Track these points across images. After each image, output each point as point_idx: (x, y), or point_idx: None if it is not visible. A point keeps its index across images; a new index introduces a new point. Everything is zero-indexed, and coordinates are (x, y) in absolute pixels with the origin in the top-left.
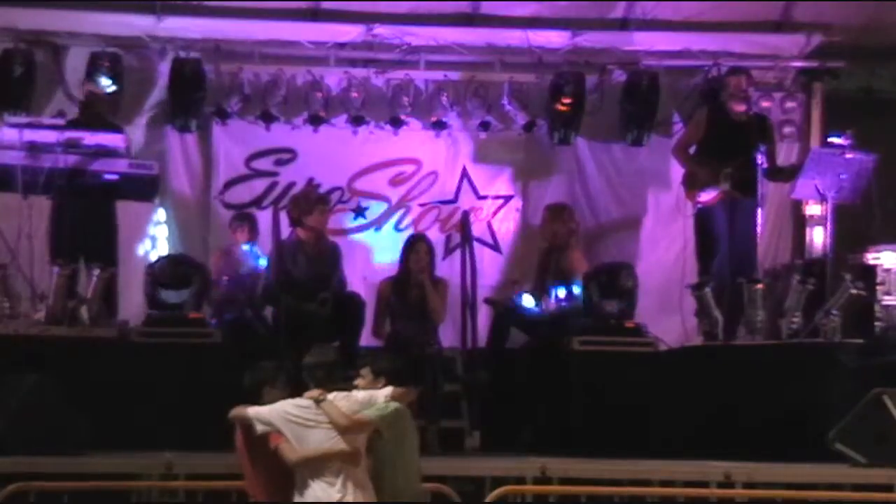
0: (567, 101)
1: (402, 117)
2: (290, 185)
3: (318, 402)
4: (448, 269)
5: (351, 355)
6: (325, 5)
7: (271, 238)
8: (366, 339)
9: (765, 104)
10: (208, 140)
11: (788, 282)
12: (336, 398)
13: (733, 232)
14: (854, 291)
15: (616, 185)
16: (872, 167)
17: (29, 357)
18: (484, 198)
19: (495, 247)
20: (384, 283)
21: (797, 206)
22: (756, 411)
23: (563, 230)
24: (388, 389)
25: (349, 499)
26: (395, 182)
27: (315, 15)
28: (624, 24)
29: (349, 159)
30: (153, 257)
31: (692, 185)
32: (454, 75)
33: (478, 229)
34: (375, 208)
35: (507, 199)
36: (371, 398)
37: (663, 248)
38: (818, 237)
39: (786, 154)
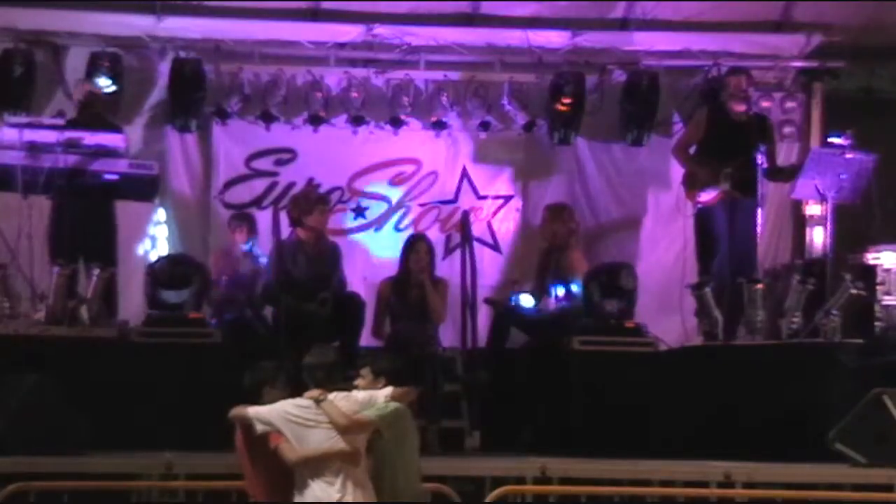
0: (567, 101)
1: (402, 117)
2: (290, 185)
3: (318, 401)
4: (448, 269)
5: (351, 355)
6: (325, 5)
7: (271, 238)
8: (366, 339)
9: (765, 104)
10: (208, 140)
11: (788, 282)
12: (336, 398)
13: (733, 232)
14: (854, 291)
15: (616, 185)
16: (872, 167)
17: (29, 357)
18: (484, 198)
19: (495, 247)
20: (384, 283)
21: (797, 206)
22: (756, 411)
23: (563, 230)
24: (388, 389)
25: (349, 498)
26: (395, 182)
27: (315, 15)
28: (624, 24)
29: (349, 159)
30: (153, 257)
31: (692, 185)
32: (454, 75)
33: (478, 229)
34: (375, 208)
35: (507, 199)
36: (371, 398)
37: (663, 248)
38: (818, 237)
39: (786, 154)
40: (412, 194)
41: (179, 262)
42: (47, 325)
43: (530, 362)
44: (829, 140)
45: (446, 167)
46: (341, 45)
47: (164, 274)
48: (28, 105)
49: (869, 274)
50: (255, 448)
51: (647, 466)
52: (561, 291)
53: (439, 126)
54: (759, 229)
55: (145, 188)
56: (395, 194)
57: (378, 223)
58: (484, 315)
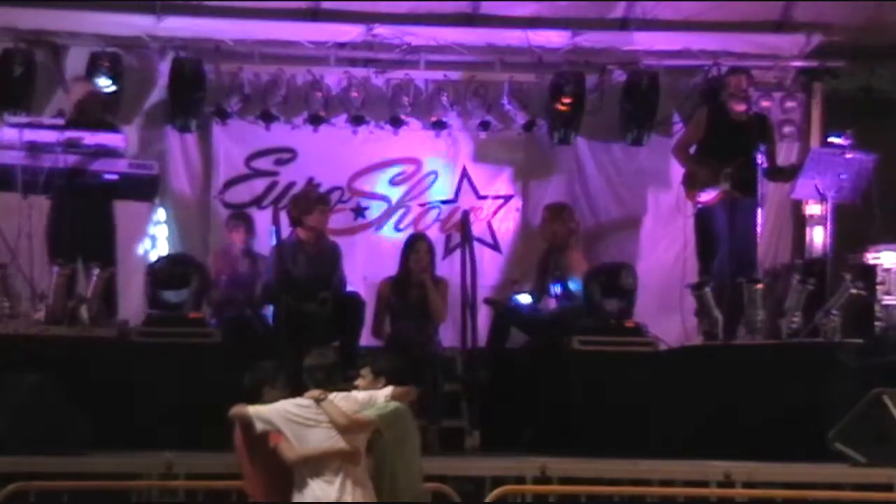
0: (567, 100)
1: (402, 117)
2: (290, 185)
3: (318, 401)
4: (448, 268)
5: (351, 355)
6: (325, 5)
7: (271, 238)
8: (366, 338)
9: (765, 104)
10: (208, 140)
11: (788, 282)
12: (336, 398)
13: (733, 232)
14: (854, 291)
15: (616, 185)
16: (872, 167)
17: (29, 357)
18: (484, 197)
19: (495, 246)
20: (384, 282)
21: (797, 205)
22: (756, 411)
23: (563, 230)
24: (389, 389)
25: (348, 498)
26: (395, 182)
27: (315, 15)
28: (624, 24)
29: (349, 159)
30: (153, 257)
31: (692, 184)
32: (454, 75)
33: (478, 229)
34: (375, 208)
35: (507, 198)
36: (371, 398)
37: (663, 248)
38: (818, 237)
39: (786, 154)
40: (412, 194)
41: (179, 262)
42: (47, 325)
43: (530, 362)
44: (829, 140)
45: (446, 167)
46: (341, 45)
47: (163, 274)
48: (28, 105)
49: (869, 274)
50: (254, 447)
51: (647, 466)
52: (560, 291)
53: (439, 126)
54: (759, 229)
55: (145, 188)
56: (395, 194)
57: (378, 223)
58: (484, 315)
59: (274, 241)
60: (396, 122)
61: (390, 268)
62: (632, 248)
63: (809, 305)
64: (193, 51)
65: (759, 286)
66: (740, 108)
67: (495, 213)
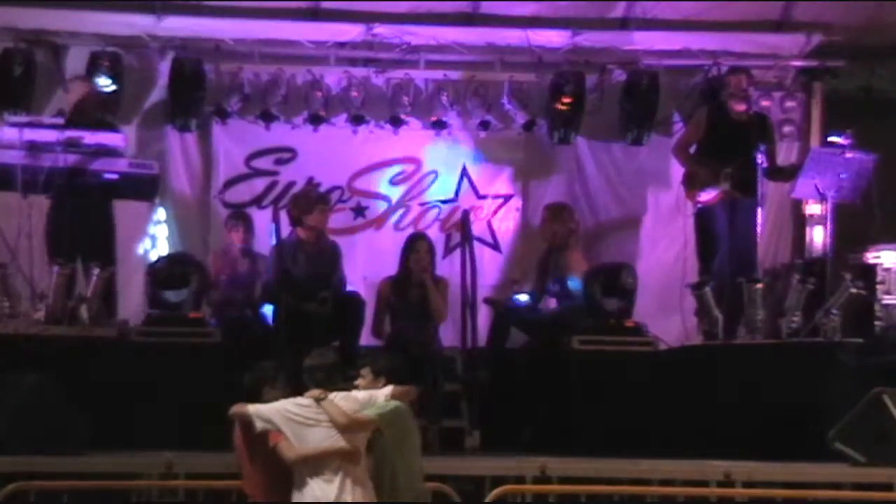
0: (567, 100)
1: (402, 116)
2: (290, 185)
3: (318, 400)
4: (448, 268)
5: (351, 355)
6: (325, 5)
7: (271, 237)
8: (366, 338)
9: (764, 103)
10: (208, 139)
11: (788, 281)
12: (336, 398)
13: (733, 231)
14: (854, 291)
15: (616, 185)
16: (872, 167)
17: (29, 357)
18: (484, 197)
19: (495, 246)
20: (384, 282)
21: (797, 205)
22: (756, 411)
23: (563, 230)
24: (389, 388)
25: (347, 497)
26: (395, 181)
27: (315, 14)
28: (624, 24)
29: (349, 158)
30: (153, 257)
31: (692, 184)
32: (454, 75)
33: (478, 229)
34: (375, 207)
35: (507, 198)
36: (371, 398)
37: (663, 248)
38: (818, 237)
39: (786, 153)
40: (412, 194)
41: (179, 262)
42: (47, 325)
43: (530, 362)
44: (829, 140)
45: (446, 166)
46: (341, 45)
47: (163, 273)
48: (28, 105)
49: (869, 273)
50: (253, 446)
51: (647, 466)
52: (560, 291)
53: (439, 125)
54: (759, 229)
55: (145, 187)
56: (395, 193)
57: (378, 222)
58: (484, 315)
59: (274, 241)
60: (396, 122)
61: (390, 267)
62: (632, 247)
63: (809, 305)
64: (193, 50)
65: (759, 286)
66: (740, 107)
67: (495, 212)
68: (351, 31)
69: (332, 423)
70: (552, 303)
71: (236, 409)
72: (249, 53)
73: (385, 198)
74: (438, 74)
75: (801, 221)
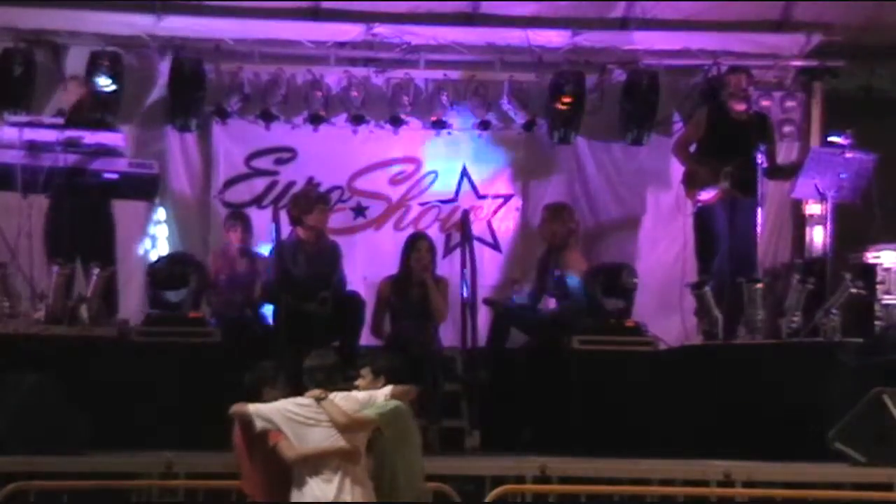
0: (567, 100)
1: (402, 116)
2: (290, 185)
3: (318, 400)
4: (448, 268)
5: (351, 355)
6: (325, 5)
7: (271, 237)
8: (366, 338)
9: (764, 103)
10: (208, 139)
11: (788, 281)
12: (336, 398)
13: (733, 231)
14: (854, 291)
15: (616, 185)
16: (872, 167)
17: (29, 357)
18: (484, 197)
19: (495, 246)
20: (384, 282)
21: (797, 205)
22: (756, 411)
23: (563, 230)
24: (389, 388)
25: (346, 497)
26: (395, 181)
27: (315, 14)
28: (624, 24)
29: (349, 158)
30: (153, 256)
31: (692, 184)
32: (454, 74)
33: (477, 228)
34: (375, 207)
35: (507, 198)
36: (371, 397)
37: (663, 248)
38: (818, 236)
39: (786, 153)
40: (412, 193)
41: (179, 262)
42: (47, 325)
43: (530, 362)
44: (829, 139)
45: (446, 166)
46: (341, 45)
47: (163, 273)
48: (28, 104)
49: (869, 273)
50: (253, 445)
51: (647, 466)
52: (560, 291)
53: (439, 125)
54: (759, 228)
55: (145, 187)
56: (395, 193)
57: (378, 222)
58: (484, 315)
59: (274, 241)
60: (396, 122)
61: (390, 267)
62: (632, 247)
63: (809, 305)
64: (193, 50)
65: (759, 286)
66: (740, 107)
67: (495, 212)
68: (351, 31)
69: (332, 423)
70: (552, 303)
71: (236, 408)
72: (249, 53)
73: (385, 197)
74: (438, 74)
75: (801, 221)
